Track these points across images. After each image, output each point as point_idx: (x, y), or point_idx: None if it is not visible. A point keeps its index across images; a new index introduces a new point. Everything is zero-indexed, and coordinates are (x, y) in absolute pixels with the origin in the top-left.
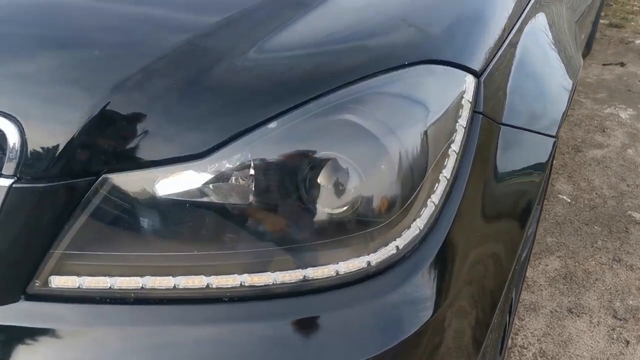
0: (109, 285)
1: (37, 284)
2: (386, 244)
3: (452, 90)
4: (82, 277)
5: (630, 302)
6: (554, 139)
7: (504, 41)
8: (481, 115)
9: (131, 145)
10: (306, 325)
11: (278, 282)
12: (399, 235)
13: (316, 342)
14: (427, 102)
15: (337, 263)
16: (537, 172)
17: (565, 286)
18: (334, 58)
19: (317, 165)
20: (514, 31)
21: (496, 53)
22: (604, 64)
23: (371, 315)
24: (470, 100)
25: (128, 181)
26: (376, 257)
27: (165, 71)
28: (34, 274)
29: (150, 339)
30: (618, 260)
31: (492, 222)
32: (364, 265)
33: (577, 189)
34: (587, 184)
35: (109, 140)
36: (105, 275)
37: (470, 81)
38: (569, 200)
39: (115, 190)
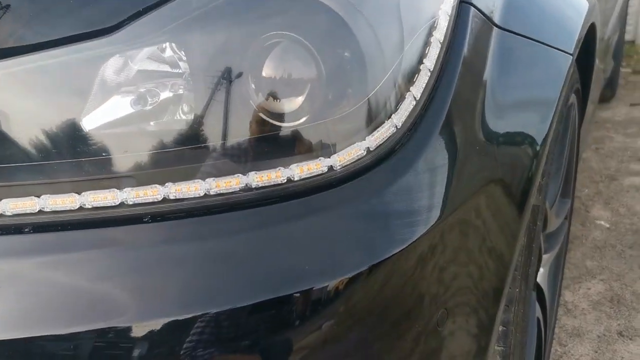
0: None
1: None
2: (352, 144)
3: None
4: None
5: None
6: (570, 57)
7: None
8: (471, 7)
9: (18, 26)
10: (248, 244)
11: (212, 193)
12: (370, 134)
13: (262, 266)
14: None
15: (289, 167)
16: (548, 95)
17: (612, 309)
18: None
19: (263, 49)
20: None
21: None
22: (631, 104)
23: (332, 233)
24: None
25: (22, 70)
26: (340, 160)
27: None
28: None
29: (55, 270)
30: None
31: (494, 140)
32: (324, 169)
33: (616, 215)
34: (627, 209)
35: None
36: None
37: None
38: (608, 226)
39: (9, 82)
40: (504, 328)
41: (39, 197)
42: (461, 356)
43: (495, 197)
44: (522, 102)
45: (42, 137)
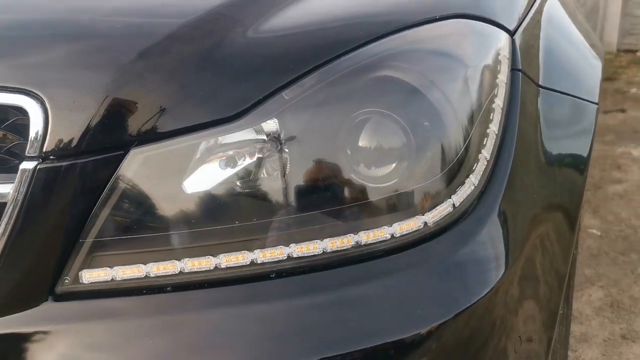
0: (144, 274)
1: (67, 281)
2: (442, 202)
3: (487, 45)
4: (115, 268)
5: None
6: (596, 106)
7: (532, 5)
8: (520, 73)
9: (161, 113)
10: (362, 296)
11: (328, 251)
12: (454, 192)
13: (373, 313)
14: (464, 57)
15: (391, 225)
16: (585, 139)
17: (613, 314)
18: (360, 14)
19: (359, 124)
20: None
21: (526, 15)
22: (604, 112)
23: (434, 280)
24: (508, 57)
25: (160, 153)
26: (432, 216)
27: (188, 37)
28: (63, 269)
29: (194, 326)
30: None
31: (548, 184)
32: (420, 225)
33: (605, 223)
34: (614, 217)
35: (138, 110)
36: (139, 263)
37: (504, 38)
38: (599, 234)
39: (147, 163)
40: (553, 345)
41: (180, 260)
42: None
43: (556, 225)
44: (566, 150)
45: (180, 210)
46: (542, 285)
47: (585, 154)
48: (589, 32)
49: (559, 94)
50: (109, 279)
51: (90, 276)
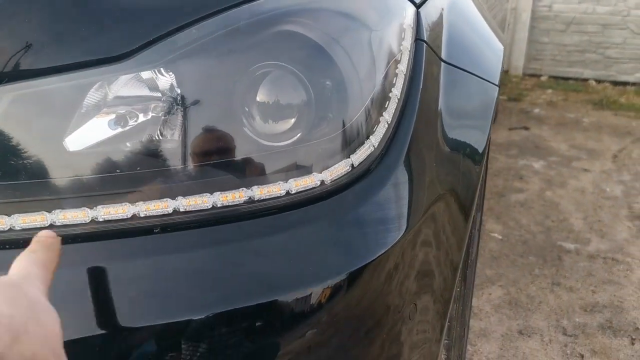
0: (7, 227)
1: None
2: (340, 161)
3: (392, 13)
4: None
5: (577, 320)
6: (497, 87)
7: None
8: (424, 44)
9: (36, 48)
10: (255, 252)
11: (219, 205)
12: (353, 152)
13: (267, 270)
14: (368, 21)
15: (287, 182)
16: (484, 118)
17: (511, 311)
18: None
19: (258, 78)
20: None
21: None
22: (509, 129)
23: (330, 237)
24: (412, 27)
25: (34, 92)
26: (330, 175)
27: None
28: None
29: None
30: (557, 284)
31: (448, 155)
32: (317, 183)
33: (506, 228)
34: (515, 222)
35: (7, 43)
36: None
37: (410, 8)
38: (501, 237)
39: (18, 104)
40: (448, 323)
41: (50, 212)
42: (422, 347)
43: (451, 205)
44: (466, 124)
45: (53, 155)
46: (437, 258)
47: (484, 135)
48: (491, 22)
49: (462, 70)
50: None
51: None
